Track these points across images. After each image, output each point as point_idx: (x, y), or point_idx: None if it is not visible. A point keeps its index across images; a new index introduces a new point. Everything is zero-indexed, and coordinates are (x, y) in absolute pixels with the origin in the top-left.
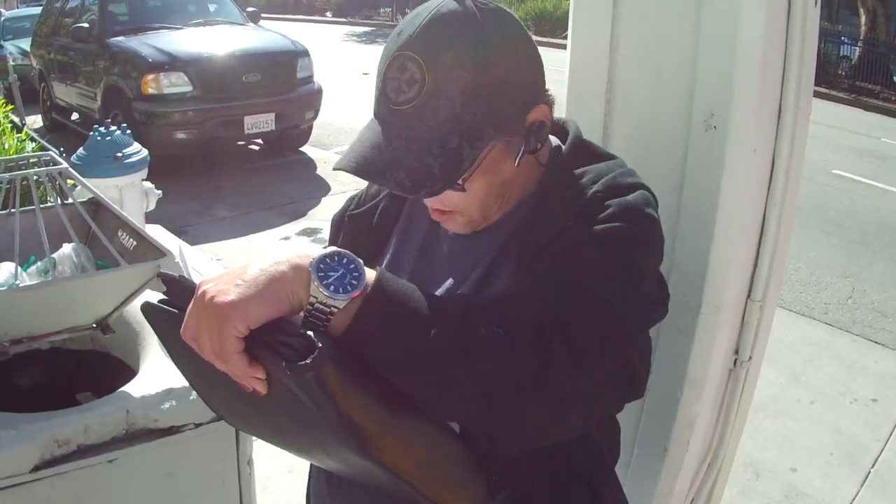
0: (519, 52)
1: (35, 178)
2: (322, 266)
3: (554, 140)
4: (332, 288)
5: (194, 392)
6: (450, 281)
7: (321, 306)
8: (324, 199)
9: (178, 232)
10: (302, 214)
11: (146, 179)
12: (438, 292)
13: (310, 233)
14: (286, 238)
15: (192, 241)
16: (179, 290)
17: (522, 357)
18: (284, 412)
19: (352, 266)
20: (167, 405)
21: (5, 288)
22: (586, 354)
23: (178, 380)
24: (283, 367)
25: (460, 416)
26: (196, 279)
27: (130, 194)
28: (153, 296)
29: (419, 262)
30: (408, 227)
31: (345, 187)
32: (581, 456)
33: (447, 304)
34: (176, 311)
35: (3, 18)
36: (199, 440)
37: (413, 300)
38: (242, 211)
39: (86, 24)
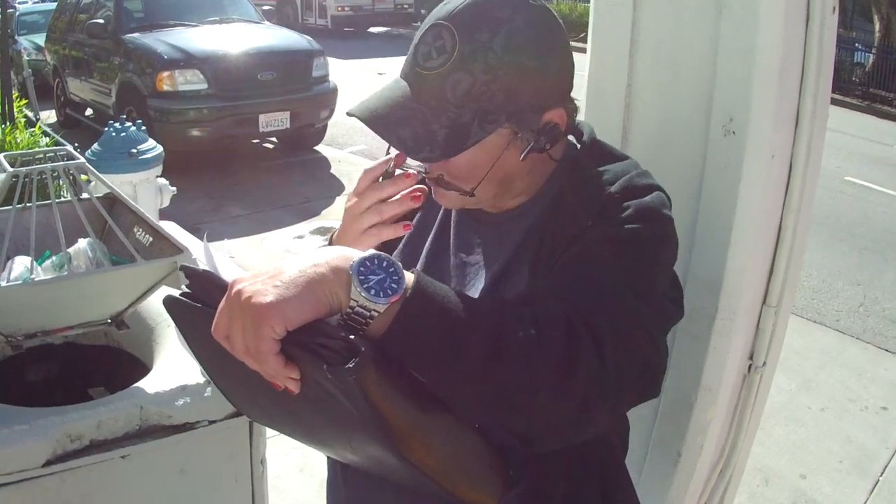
0: (552, 53)
1: (51, 172)
2: (362, 269)
3: (569, 138)
4: (372, 291)
5: (209, 389)
6: (469, 278)
7: (361, 309)
8: (338, 199)
9: (192, 229)
10: (316, 213)
11: (160, 176)
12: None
13: (324, 232)
14: (300, 237)
15: (206, 239)
16: (204, 284)
17: (554, 357)
18: (314, 410)
19: (391, 269)
20: (181, 401)
21: (20, 282)
22: (613, 354)
23: (192, 376)
24: (325, 369)
25: (491, 415)
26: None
27: (145, 190)
28: (169, 292)
29: (431, 263)
30: (440, 231)
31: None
32: (594, 449)
33: (483, 306)
34: (200, 305)
35: (17, 13)
36: (213, 437)
37: (450, 303)
38: (256, 209)
39: (101, 20)
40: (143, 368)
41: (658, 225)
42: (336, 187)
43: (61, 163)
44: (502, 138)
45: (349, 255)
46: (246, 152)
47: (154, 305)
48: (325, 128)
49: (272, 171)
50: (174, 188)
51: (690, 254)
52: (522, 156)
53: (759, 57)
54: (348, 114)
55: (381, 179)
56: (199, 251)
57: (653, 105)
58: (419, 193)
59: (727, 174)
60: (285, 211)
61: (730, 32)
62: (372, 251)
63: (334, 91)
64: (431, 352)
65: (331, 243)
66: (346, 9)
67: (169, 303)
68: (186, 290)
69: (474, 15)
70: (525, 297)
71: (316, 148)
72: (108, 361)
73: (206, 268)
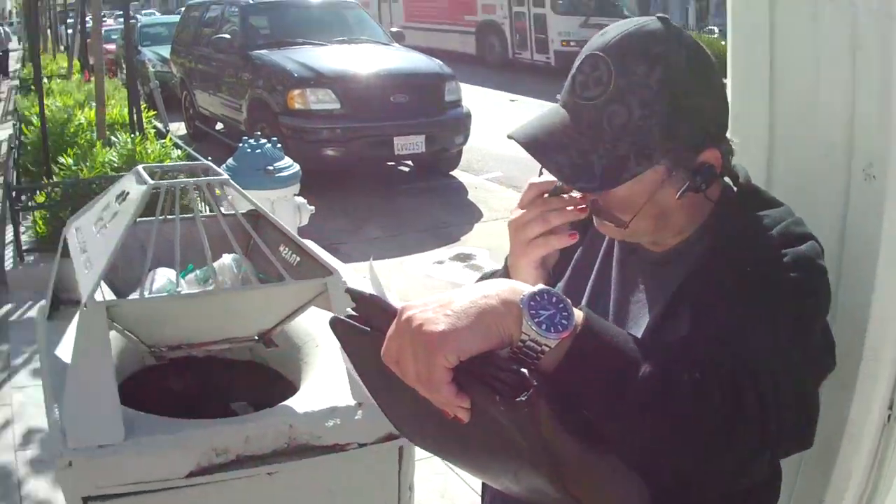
0: (707, 92)
1: (193, 186)
2: (532, 303)
3: (725, 179)
4: (543, 326)
5: (360, 412)
6: (630, 318)
7: (532, 343)
8: (476, 226)
9: (331, 249)
10: (455, 239)
11: (298, 195)
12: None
13: (463, 258)
14: (439, 262)
15: (345, 260)
16: (373, 309)
17: (717, 404)
18: (481, 438)
19: (561, 305)
20: (331, 423)
21: (165, 294)
22: (774, 404)
23: (342, 398)
24: (498, 401)
25: (652, 456)
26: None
27: (283, 208)
28: (319, 312)
29: (591, 300)
30: (602, 270)
31: (496, 214)
32: (747, 495)
33: (650, 347)
34: (367, 328)
35: (139, 24)
36: (362, 460)
37: (619, 341)
38: (394, 232)
39: (227, 36)
40: (288, 386)
41: (814, 275)
42: (474, 213)
43: (205, 178)
44: (658, 175)
45: (519, 288)
46: (382, 174)
47: (301, 325)
48: (459, 153)
49: (409, 195)
50: (312, 207)
51: (835, 300)
52: (679, 195)
53: None
54: (508, 136)
55: (546, 195)
56: (344, 271)
57: (795, 149)
58: (584, 206)
59: (869, 218)
60: (424, 235)
61: (866, 74)
62: (541, 286)
63: (468, 116)
64: (599, 389)
65: (505, 269)
66: (573, 43)
67: (336, 324)
68: (352, 312)
69: (630, 48)
70: (687, 342)
71: (452, 173)
72: (251, 377)
73: (373, 291)
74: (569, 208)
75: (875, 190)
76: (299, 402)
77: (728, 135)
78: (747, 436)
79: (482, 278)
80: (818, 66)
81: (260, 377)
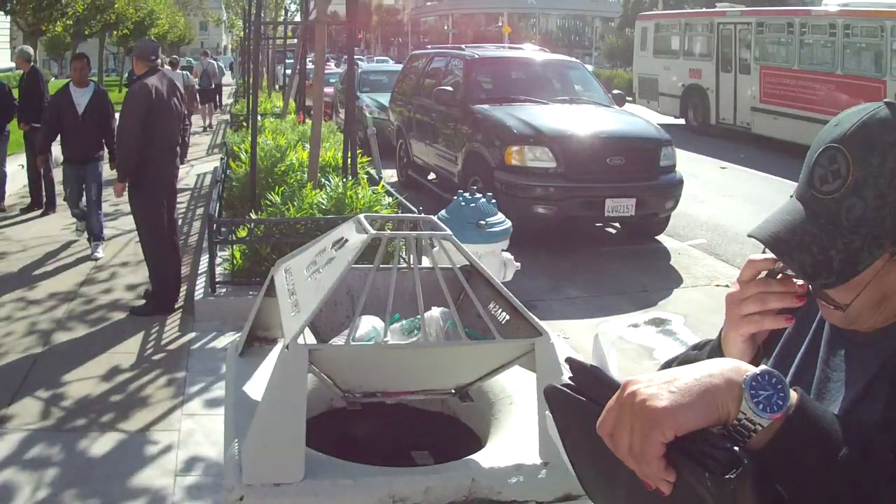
0: None
1: (415, 239)
2: (754, 384)
3: None
4: (760, 406)
5: (544, 471)
6: (829, 395)
7: (747, 422)
8: (675, 291)
9: (529, 306)
10: (653, 304)
11: (506, 250)
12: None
13: (658, 323)
14: (634, 325)
15: (540, 317)
16: (590, 380)
17: None
18: None
19: (779, 386)
20: (514, 480)
21: (370, 342)
22: None
23: (529, 457)
24: (706, 477)
25: None
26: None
27: (489, 263)
28: (519, 370)
29: (797, 373)
30: (810, 347)
31: (696, 281)
32: None
33: (855, 432)
34: (583, 398)
35: (360, 70)
36: None
37: (828, 426)
38: (593, 293)
39: (449, 88)
40: (474, 441)
41: None
42: (674, 279)
43: (428, 232)
44: (884, 262)
45: (744, 368)
46: (587, 235)
47: (498, 381)
48: (668, 218)
49: (612, 257)
50: (518, 263)
51: None
52: None
53: None
54: (750, 235)
55: (764, 273)
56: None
57: None
58: (802, 293)
59: None
60: (622, 298)
61: None
62: (764, 367)
63: (680, 182)
64: (804, 471)
65: (718, 339)
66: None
67: (551, 392)
68: (569, 381)
69: (867, 138)
70: (883, 426)
71: (657, 238)
72: (438, 428)
73: (595, 363)
74: (788, 293)
75: None
76: (485, 457)
77: None
78: None
79: (693, 348)
80: None
81: (445, 428)
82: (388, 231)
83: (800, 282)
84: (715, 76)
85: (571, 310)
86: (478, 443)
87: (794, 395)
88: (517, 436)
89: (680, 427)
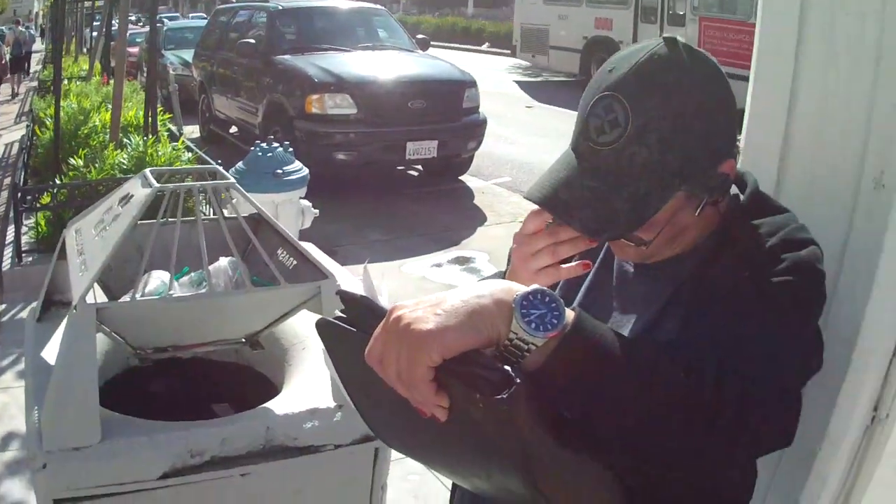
0: (721, 107)
1: (199, 190)
2: (525, 303)
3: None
4: (532, 325)
5: (338, 413)
6: (619, 319)
7: (519, 342)
8: (479, 229)
9: (330, 251)
10: (455, 243)
11: (304, 197)
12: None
13: (462, 261)
14: (437, 265)
15: (342, 262)
16: (361, 310)
17: (700, 403)
18: (456, 438)
19: (553, 305)
20: (309, 425)
21: (157, 297)
22: (756, 402)
23: (323, 400)
24: (477, 398)
25: (632, 454)
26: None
27: (287, 211)
28: (310, 315)
29: (589, 298)
30: (599, 274)
31: (500, 218)
32: (722, 494)
33: (637, 348)
34: (355, 330)
35: (165, 28)
36: (336, 461)
37: (608, 342)
38: (395, 235)
39: (252, 40)
40: (271, 388)
41: (811, 279)
42: (478, 218)
43: (211, 182)
44: (678, 200)
45: (513, 288)
46: (389, 178)
47: (290, 327)
48: (471, 158)
49: (415, 199)
50: (317, 210)
51: (830, 304)
52: (697, 212)
53: None
54: (526, 198)
55: (548, 224)
56: (340, 274)
57: (807, 156)
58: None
59: (874, 226)
60: (424, 238)
61: (887, 84)
62: (536, 286)
63: (483, 122)
64: (581, 389)
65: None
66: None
67: (322, 325)
68: (341, 314)
69: (643, 83)
70: (677, 344)
71: (461, 178)
72: (236, 379)
73: (364, 293)
74: (579, 238)
75: (884, 199)
76: (279, 404)
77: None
78: (725, 434)
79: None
80: (839, 75)
81: (243, 379)
82: (173, 184)
83: None
84: (633, 28)
85: (373, 253)
86: (274, 391)
87: (570, 314)
88: (311, 380)
89: (447, 349)
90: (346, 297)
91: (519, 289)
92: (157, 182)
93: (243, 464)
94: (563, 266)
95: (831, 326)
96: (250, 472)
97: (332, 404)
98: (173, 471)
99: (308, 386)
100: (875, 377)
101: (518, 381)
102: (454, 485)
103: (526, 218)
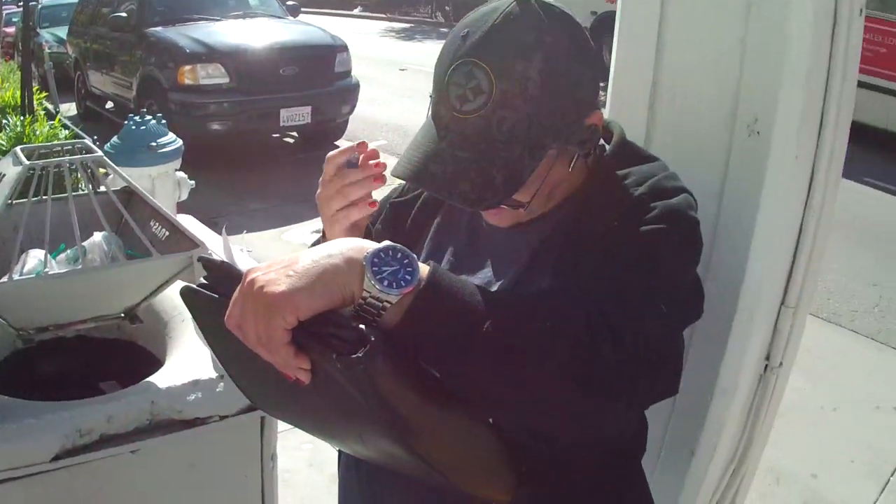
0: (585, 62)
1: (69, 165)
2: (376, 260)
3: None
4: (385, 283)
5: (221, 384)
6: (490, 274)
7: (374, 300)
8: None
9: (210, 222)
10: None
11: (179, 170)
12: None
13: None
14: (318, 231)
15: (225, 232)
16: (221, 275)
17: (571, 351)
18: (324, 401)
19: (405, 261)
20: (192, 397)
21: (33, 276)
22: (631, 349)
23: (204, 371)
24: (334, 359)
25: (504, 409)
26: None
27: (163, 184)
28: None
29: (459, 254)
30: (449, 218)
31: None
32: (610, 447)
33: (499, 300)
34: (217, 296)
35: (39, 6)
36: (223, 433)
37: (465, 296)
38: (275, 203)
39: (124, 14)
40: (155, 362)
41: (683, 226)
42: None
43: (79, 156)
44: (550, 157)
45: (364, 246)
46: (266, 146)
47: (168, 299)
48: (346, 123)
49: (292, 166)
50: (193, 182)
51: (711, 254)
52: (571, 167)
53: (788, 57)
54: (394, 175)
55: (346, 166)
56: (218, 245)
57: (678, 104)
58: (380, 174)
59: (750, 174)
60: (304, 205)
61: (758, 32)
62: (388, 243)
63: (356, 86)
64: (443, 345)
65: (323, 238)
66: None
67: (185, 293)
68: (204, 281)
69: (501, 45)
70: (546, 294)
71: (336, 143)
72: (121, 355)
73: (224, 259)
74: (366, 179)
75: (758, 146)
76: (162, 378)
77: (607, 91)
78: (599, 382)
79: (315, 244)
80: (709, 22)
81: (128, 355)
82: (42, 161)
83: (375, 161)
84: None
85: (254, 222)
86: (158, 365)
87: (424, 269)
88: (192, 352)
89: (300, 311)
90: (207, 264)
91: (370, 246)
92: (28, 160)
93: (132, 440)
94: (353, 208)
95: (713, 276)
96: (140, 448)
97: (214, 375)
98: (64, 451)
99: (189, 358)
100: (764, 326)
101: (372, 338)
102: (340, 451)
103: (325, 165)
